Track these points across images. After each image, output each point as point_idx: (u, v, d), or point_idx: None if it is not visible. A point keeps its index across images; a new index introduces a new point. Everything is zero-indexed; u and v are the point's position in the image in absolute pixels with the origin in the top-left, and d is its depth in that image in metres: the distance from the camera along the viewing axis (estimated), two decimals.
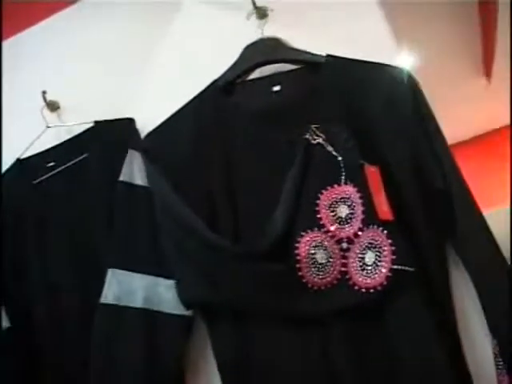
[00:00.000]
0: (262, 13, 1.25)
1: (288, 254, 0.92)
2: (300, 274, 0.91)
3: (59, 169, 1.28)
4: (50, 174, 1.28)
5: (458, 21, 2.59)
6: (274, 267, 0.92)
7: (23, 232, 1.24)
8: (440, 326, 0.90)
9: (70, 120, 1.36)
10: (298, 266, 0.91)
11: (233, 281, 0.94)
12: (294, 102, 1.10)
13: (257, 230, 0.97)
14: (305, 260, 0.90)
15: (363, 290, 0.90)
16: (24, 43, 1.49)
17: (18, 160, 1.32)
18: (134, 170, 1.16)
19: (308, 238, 0.92)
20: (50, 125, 1.34)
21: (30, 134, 1.34)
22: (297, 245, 0.92)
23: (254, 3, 1.23)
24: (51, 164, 1.29)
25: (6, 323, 1.13)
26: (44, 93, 1.36)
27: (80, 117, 1.33)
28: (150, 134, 1.15)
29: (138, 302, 1.05)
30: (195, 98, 1.15)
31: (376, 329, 0.91)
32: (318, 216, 0.95)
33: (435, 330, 0.89)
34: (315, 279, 0.91)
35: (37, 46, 1.47)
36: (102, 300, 1.06)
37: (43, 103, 1.36)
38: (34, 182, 1.29)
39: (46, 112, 1.37)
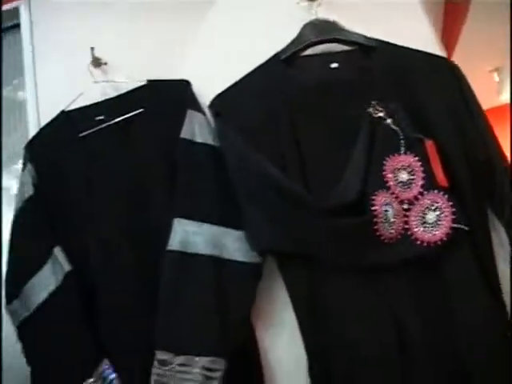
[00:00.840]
0: None
1: (364, 210, 1.04)
2: (375, 227, 1.03)
3: (110, 122, 1.29)
4: (99, 127, 1.30)
5: None
6: (352, 221, 1.04)
7: (69, 183, 1.26)
8: (485, 276, 1.05)
9: (116, 78, 1.37)
10: (374, 220, 1.03)
11: (313, 233, 1.04)
12: (350, 80, 1.22)
13: (326, 190, 1.08)
14: (380, 215, 1.03)
15: (424, 244, 1.03)
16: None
17: (63, 112, 1.33)
18: (195, 129, 1.23)
19: (380, 197, 1.05)
20: (97, 80, 1.36)
21: (77, 90, 1.35)
22: (373, 202, 1.04)
23: None
24: (100, 118, 1.31)
25: (67, 267, 1.15)
26: (92, 49, 1.37)
27: (126, 75, 1.35)
28: (218, 98, 1.21)
29: (205, 250, 1.11)
30: (259, 67, 1.23)
31: (434, 278, 1.05)
32: (385, 179, 1.07)
33: (482, 279, 1.04)
34: (386, 233, 1.04)
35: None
36: (169, 247, 1.12)
37: (90, 59, 1.37)
38: (81, 134, 1.30)
39: (92, 69, 1.38)
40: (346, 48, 1.27)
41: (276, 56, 1.23)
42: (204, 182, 1.17)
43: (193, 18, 1.40)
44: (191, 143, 1.21)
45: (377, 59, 1.21)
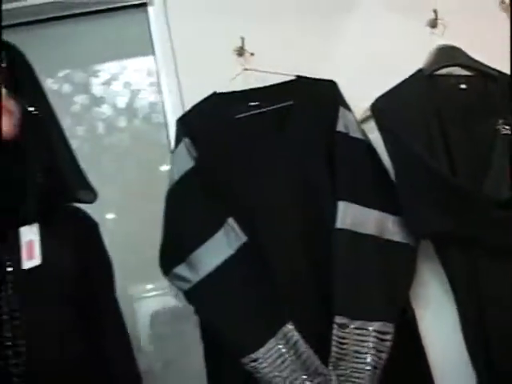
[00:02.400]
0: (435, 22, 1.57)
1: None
2: None
3: (264, 109, 1.41)
4: (252, 112, 1.40)
5: None
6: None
7: (231, 161, 1.34)
8: None
9: (261, 69, 1.48)
10: None
11: (480, 220, 1.24)
12: (477, 101, 1.44)
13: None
14: None
15: None
16: None
17: (215, 93, 1.42)
18: (349, 125, 1.38)
19: None
20: (247, 67, 1.46)
21: (217, 75, 1.45)
22: None
23: (435, 13, 1.54)
24: (254, 104, 1.41)
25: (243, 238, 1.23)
26: (243, 39, 1.48)
27: (271, 67, 1.47)
28: (381, 99, 1.37)
29: (371, 230, 1.26)
30: (409, 78, 1.41)
31: None
32: None
33: None
34: None
35: None
36: (339, 225, 1.25)
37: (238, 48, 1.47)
38: (236, 116, 1.39)
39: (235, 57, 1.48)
40: (467, 72, 1.48)
41: (421, 71, 1.42)
42: (364, 172, 1.32)
43: (337, 19, 1.55)
44: (347, 137, 1.36)
45: (497, 86, 1.44)
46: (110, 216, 1.55)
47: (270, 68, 1.45)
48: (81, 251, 1.02)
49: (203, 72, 1.49)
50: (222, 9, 1.56)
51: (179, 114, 1.45)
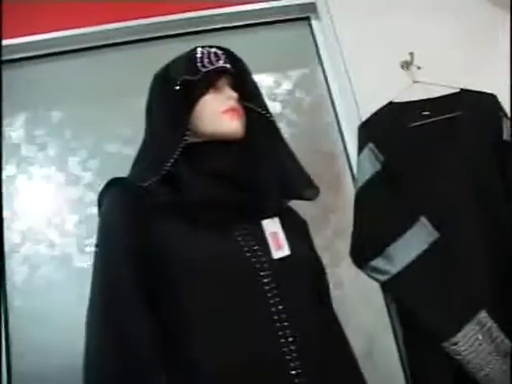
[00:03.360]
0: None
1: None
2: None
3: (435, 119, 1.56)
4: (425, 121, 1.55)
5: None
6: None
7: (412, 164, 1.48)
8: None
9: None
10: None
11: None
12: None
13: None
14: None
15: None
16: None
17: (391, 103, 1.57)
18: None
19: None
20: (416, 80, 1.62)
21: (387, 85, 1.61)
22: None
23: None
24: (426, 113, 1.56)
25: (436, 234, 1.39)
26: (411, 54, 1.63)
27: (433, 78, 1.62)
28: None
29: None
30: None
31: None
32: None
33: None
34: None
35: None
36: None
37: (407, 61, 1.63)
38: (411, 124, 1.55)
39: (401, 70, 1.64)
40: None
41: None
42: None
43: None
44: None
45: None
46: None
47: (434, 80, 1.60)
48: (309, 243, 1.16)
49: (372, 82, 1.63)
50: (387, 19, 1.71)
51: (354, 121, 1.60)
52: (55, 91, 1.70)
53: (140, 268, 0.90)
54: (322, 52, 1.76)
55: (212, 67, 1.05)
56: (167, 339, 0.87)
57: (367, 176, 1.48)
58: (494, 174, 1.49)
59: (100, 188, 1.02)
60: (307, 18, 1.82)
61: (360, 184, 1.48)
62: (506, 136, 1.51)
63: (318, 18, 1.79)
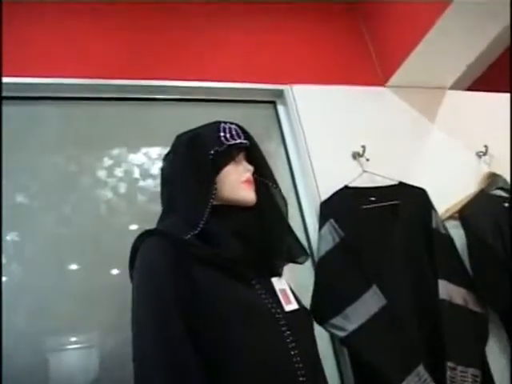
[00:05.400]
0: None
1: None
2: None
3: (380, 204, 1.88)
4: (373, 205, 1.87)
5: None
6: None
7: (364, 241, 1.76)
8: None
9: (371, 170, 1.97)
10: None
11: None
12: None
13: None
14: None
15: None
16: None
17: (346, 187, 1.87)
18: (439, 223, 1.89)
19: None
20: (366, 169, 1.94)
21: (340, 171, 1.92)
22: None
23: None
24: (373, 198, 1.88)
25: (384, 301, 1.65)
26: (363, 147, 1.96)
27: (380, 167, 1.96)
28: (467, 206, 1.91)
29: (460, 301, 1.74)
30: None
31: None
32: None
33: None
34: None
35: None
36: (441, 297, 1.70)
37: (359, 152, 1.96)
38: (362, 207, 1.85)
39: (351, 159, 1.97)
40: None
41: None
42: (452, 259, 1.83)
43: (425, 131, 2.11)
44: (439, 232, 1.86)
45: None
46: None
47: (380, 170, 1.94)
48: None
49: (329, 166, 1.93)
50: (344, 117, 2.04)
51: (313, 199, 1.86)
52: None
53: (186, 317, 1.02)
54: (285, 134, 2.01)
55: (234, 142, 1.24)
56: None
57: (328, 247, 1.72)
58: (424, 252, 1.81)
59: None
60: (274, 102, 2.07)
61: (322, 254, 1.72)
62: (434, 225, 1.86)
63: (283, 103, 2.05)
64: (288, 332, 1.10)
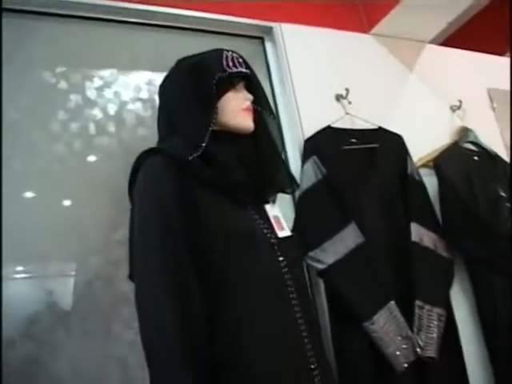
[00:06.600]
0: None
1: None
2: None
3: (360, 146, 1.92)
4: (353, 146, 1.91)
5: None
6: None
7: (343, 179, 1.81)
8: None
9: (354, 113, 2.01)
10: None
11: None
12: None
13: None
14: None
15: None
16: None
17: (329, 127, 1.90)
18: (413, 169, 1.96)
19: None
20: (348, 112, 1.97)
21: (324, 113, 1.95)
22: None
23: None
24: (354, 140, 1.92)
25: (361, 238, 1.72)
26: (347, 90, 1.99)
27: (363, 114, 2.00)
28: (440, 156, 1.99)
29: (430, 245, 1.83)
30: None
31: None
32: None
33: None
34: None
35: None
36: (412, 239, 1.79)
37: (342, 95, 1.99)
38: (343, 147, 1.89)
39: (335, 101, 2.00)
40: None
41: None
42: (424, 204, 1.92)
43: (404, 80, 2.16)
44: (413, 178, 1.93)
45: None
46: None
47: (363, 114, 1.98)
48: None
49: (313, 106, 1.96)
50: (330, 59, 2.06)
51: (297, 136, 1.89)
52: None
53: (190, 237, 1.05)
54: (272, 70, 2.00)
55: (236, 70, 1.25)
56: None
57: (310, 183, 1.75)
58: (398, 195, 1.88)
59: None
60: (262, 38, 2.06)
61: (304, 188, 1.75)
62: (409, 171, 1.92)
63: (272, 40, 2.04)
64: (281, 258, 1.15)
